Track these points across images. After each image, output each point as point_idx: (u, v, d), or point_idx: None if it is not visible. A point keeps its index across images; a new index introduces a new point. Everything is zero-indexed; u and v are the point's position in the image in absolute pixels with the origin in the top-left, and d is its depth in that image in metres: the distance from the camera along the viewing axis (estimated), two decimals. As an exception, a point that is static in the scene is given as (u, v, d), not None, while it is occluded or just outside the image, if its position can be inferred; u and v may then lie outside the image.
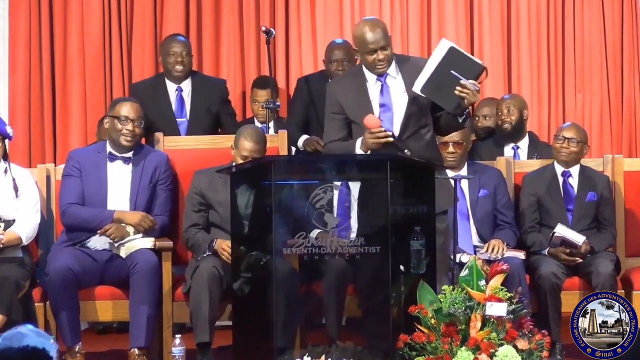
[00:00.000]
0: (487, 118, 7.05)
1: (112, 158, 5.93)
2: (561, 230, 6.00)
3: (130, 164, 5.93)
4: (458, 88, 5.26)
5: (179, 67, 6.67)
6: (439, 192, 5.38)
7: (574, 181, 6.22)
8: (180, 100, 6.72)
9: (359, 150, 5.36)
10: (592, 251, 6.04)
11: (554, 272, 5.89)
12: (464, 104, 5.33)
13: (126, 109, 5.91)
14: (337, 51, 6.92)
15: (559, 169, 6.25)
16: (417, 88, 5.32)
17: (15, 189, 5.81)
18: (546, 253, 6.05)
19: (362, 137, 5.35)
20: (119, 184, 5.91)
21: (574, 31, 7.75)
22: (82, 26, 7.62)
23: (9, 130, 5.87)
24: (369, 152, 5.34)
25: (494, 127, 6.98)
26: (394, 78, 5.47)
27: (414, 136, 5.44)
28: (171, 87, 6.71)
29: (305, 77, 7.14)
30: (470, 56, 5.34)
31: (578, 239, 5.99)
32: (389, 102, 5.46)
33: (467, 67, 5.29)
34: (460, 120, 5.42)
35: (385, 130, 5.30)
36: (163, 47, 6.80)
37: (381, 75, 5.45)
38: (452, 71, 5.26)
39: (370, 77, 5.46)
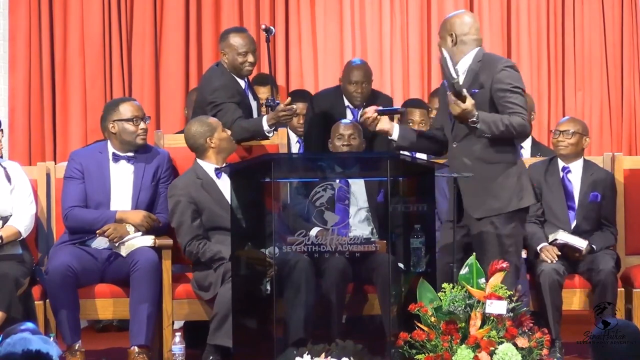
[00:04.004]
0: None
1: (116, 159, 5.91)
2: (563, 237, 5.99)
3: (134, 163, 5.93)
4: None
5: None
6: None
7: (574, 177, 6.19)
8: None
9: None
10: (592, 250, 6.04)
11: (555, 269, 5.89)
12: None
13: (132, 109, 5.89)
14: (356, 72, 6.78)
15: (560, 164, 6.23)
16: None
17: (8, 177, 5.81)
18: (539, 249, 6.02)
19: None
20: (122, 183, 5.90)
21: (574, 31, 7.77)
22: (82, 26, 7.63)
23: None
24: None
25: None
26: None
27: (467, 138, 5.41)
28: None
29: (318, 94, 7.09)
30: (450, 71, 5.32)
31: (581, 244, 5.99)
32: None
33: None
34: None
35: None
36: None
37: None
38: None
39: None
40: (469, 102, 5.21)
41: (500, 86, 5.33)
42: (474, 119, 5.24)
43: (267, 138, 6.14)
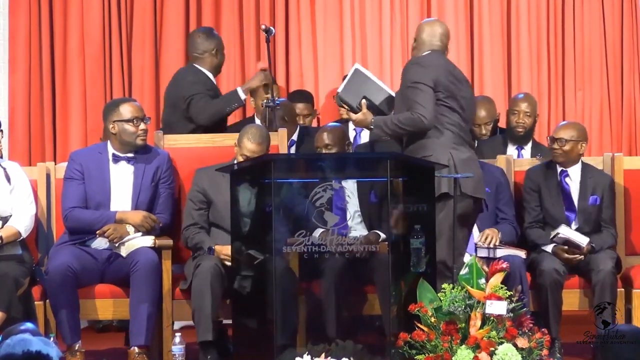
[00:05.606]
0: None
1: (116, 159, 5.92)
2: (565, 232, 5.99)
3: (133, 164, 5.93)
4: None
5: None
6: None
7: (572, 182, 6.18)
8: None
9: None
10: (592, 250, 6.03)
11: (555, 268, 5.89)
12: None
13: (132, 109, 5.89)
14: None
15: (558, 167, 6.23)
16: None
17: (8, 177, 5.81)
18: (549, 250, 6.02)
19: None
20: (122, 184, 5.91)
21: (574, 31, 7.76)
22: (82, 26, 7.63)
23: None
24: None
25: (505, 125, 7.00)
26: None
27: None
28: None
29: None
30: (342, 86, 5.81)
31: (582, 240, 5.99)
32: None
33: None
34: None
35: None
36: None
37: None
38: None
39: None
40: (360, 113, 5.66)
41: (402, 86, 5.69)
42: (370, 126, 5.68)
43: (241, 104, 6.55)
